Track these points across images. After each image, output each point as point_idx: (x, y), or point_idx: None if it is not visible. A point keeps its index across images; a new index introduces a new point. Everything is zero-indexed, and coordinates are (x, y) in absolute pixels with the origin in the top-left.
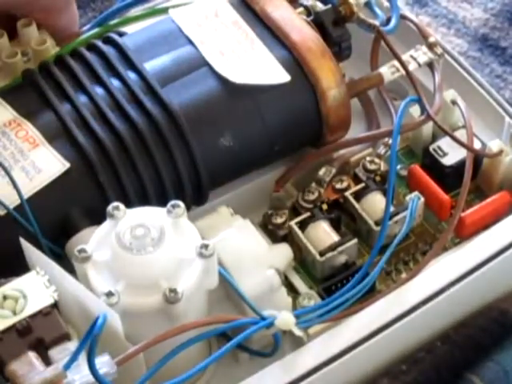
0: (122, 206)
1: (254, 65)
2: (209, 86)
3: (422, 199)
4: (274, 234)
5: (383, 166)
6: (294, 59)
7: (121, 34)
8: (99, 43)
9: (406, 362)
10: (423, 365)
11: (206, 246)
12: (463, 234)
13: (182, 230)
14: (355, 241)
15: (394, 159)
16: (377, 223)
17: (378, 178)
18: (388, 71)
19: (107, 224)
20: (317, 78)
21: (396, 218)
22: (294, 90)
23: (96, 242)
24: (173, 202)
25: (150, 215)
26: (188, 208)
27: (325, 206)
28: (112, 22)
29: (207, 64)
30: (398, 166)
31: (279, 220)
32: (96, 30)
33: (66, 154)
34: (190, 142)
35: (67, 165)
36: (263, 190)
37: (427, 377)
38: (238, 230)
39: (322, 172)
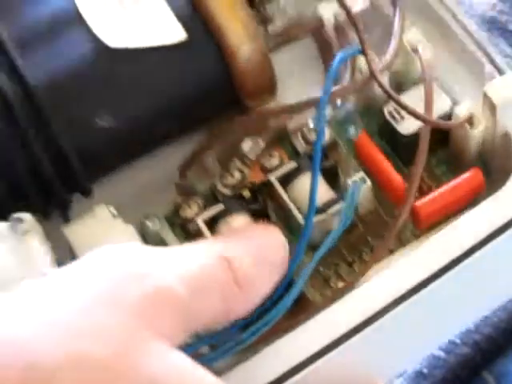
0: None
1: (141, 20)
2: (80, 51)
3: (369, 183)
4: (184, 230)
5: (329, 136)
6: (192, 7)
7: None
8: None
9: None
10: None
11: None
12: (420, 226)
13: (28, 254)
14: None
15: (321, 131)
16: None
17: None
18: (330, 11)
19: None
20: (223, 33)
21: (333, 209)
22: (194, 48)
23: None
24: (16, 215)
25: None
26: (64, 205)
27: (247, 193)
28: None
29: (83, 22)
30: (352, 131)
31: (189, 213)
32: None
33: None
34: (51, 124)
35: None
36: (172, 172)
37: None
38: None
39: (247, 146)
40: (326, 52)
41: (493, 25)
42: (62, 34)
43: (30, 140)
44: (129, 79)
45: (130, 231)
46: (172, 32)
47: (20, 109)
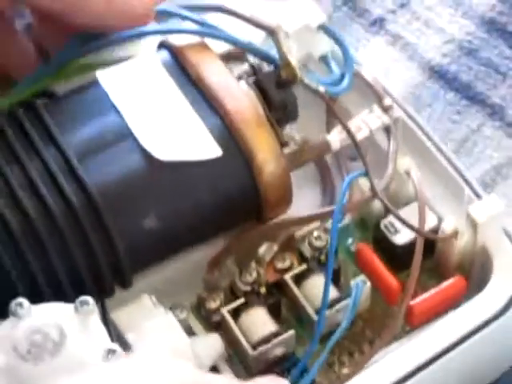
0: (25, 303)
1: (182, 137)
2: (131, 162)
3: (369, 284)
4: (207, 319)
5: None
6: (227, 129)
7: (50, 95)
8: (20, 112)
9: None
10: None
11: (113, 352)
12: (413, 323)
13: (91, 332)
14: (292, 333)
15: (333, 244)
16: (318, 311)
17: (323, 258)
18: (337, 138)
19: (8, 323)
20: (251, 151)
21: (338, 306)
22: (227, 164)
23: None
24: (81, 298)
25: (53, 315)
26: (110, 294)
27: (263, 290)
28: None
29: (132, 136)
30: (349, 241)
31: (213, 305)
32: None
33: None
34: (107, 226)
35: None
36: (198, 267)
37: None
38: (157, 325)
39: (262, 249)
40: (325, 174)
41: (492, 26)
42: (115, 146)
43: (91, 240)
44: (171, 187)
45: (170, 318)
46: (209, 149)
47: (82, 211)
